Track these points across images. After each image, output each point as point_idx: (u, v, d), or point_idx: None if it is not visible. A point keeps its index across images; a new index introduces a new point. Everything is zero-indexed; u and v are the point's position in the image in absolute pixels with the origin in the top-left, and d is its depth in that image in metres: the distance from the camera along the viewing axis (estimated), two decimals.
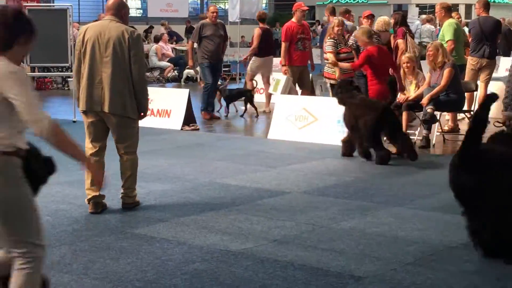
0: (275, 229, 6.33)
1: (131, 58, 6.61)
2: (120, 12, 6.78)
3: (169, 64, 21.81)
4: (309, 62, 13.59)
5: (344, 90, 9.90)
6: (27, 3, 20.94)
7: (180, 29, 28.78)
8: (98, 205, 6.80)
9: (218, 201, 7.35)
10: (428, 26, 18.60)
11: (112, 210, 6.92)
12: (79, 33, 6.89)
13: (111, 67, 6.60)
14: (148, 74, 22.05)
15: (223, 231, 6.29)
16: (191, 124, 12.47)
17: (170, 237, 6.08)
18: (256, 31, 14.57)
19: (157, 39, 23.01)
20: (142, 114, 6.82)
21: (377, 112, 9.28)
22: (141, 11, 43.70)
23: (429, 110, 10.21)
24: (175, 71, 22.32)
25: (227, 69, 23.68)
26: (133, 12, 44.61)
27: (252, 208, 7.09)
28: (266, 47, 14.41)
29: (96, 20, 11.88)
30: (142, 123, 7.02)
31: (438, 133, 10.95)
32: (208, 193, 7.75)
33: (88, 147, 6.74)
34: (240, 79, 19.10)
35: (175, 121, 12.39)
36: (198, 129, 12.42)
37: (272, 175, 8.63)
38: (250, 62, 14.55)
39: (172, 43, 24.51)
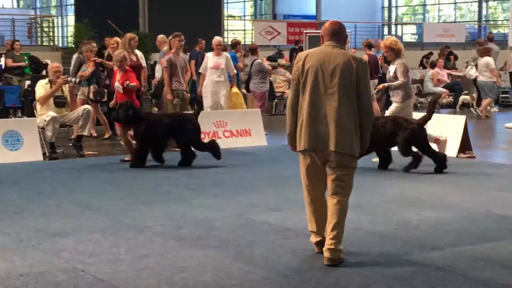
0: None
1: (359, 89, 5.88)
2: (342, 36, 6.09)
3: (444, 90, 21.49)
4: None
5: None
6: (306, 29, 21.70)
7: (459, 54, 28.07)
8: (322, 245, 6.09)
9: (496, 233, 7.06)
10: None
11: (386, 236, 6.91)
12: (297, 61, 6.07)
13: (337, 100, 5.84)
14: (422, 100, 21.87)
15: (502, 264, 6.02)
16: (466, 152, 12.17)
17: (445, 266, 5.93)
18: (365, 57, 14.50)
19: (433, 65, 22.75)
20: (361, 151, 6.07)
21: None
22: (417, 36, 43.50)
23: None
24: (451, 97, 22.00)
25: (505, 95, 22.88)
26: (407, 38, 44.56)
27: None
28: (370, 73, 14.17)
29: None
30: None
31: None
32: (485, 223, 7.47)
33: (308, 191, 6.10)
34: None
35: (451, 148, 12.12)
36: (474, 157, 12.08)
37: None
38: None
39: (448, 69, 24.11)
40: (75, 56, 16.15)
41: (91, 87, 14.33)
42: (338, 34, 6.03)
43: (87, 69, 14.54)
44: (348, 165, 5.94)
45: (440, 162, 10.48)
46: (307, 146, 5.93)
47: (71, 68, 15.46)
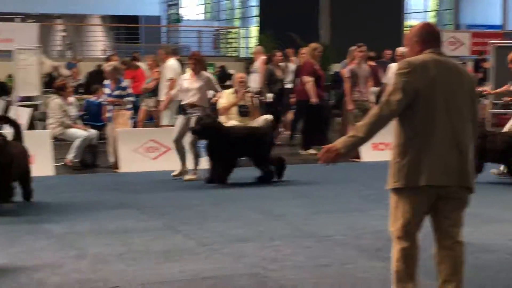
0: None
1: (474, 107, 4.78)
2: (441, 43, 4.89)
3: None
4: None
5: None
6: (492, 40, 21.05)
7: None
8: None
9: None
10: None
11: None
12: (407, 70, 4.63)
13: (464, 122, 4.66)
14: None
15: None
16: None
17: None
18: None
19: None
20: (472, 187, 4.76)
21: None
22: None
23: None
24: None
25: None
26: None
27: None
28: None
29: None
30: None
31: None
32: None
33: (406, 239, 4.74)
34: None
35: None
36: None
37: None
38: None
39: None
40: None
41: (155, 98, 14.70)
42: (439, 39, 4.83)
43: (151, 82, 15.02)
44: (466, 202, 4.78)
45: None
46: (432, 182, 4.58)
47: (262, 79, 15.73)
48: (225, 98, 12.65)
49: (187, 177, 10.86)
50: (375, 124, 4.62)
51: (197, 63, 11.02)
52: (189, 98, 10.88)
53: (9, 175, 8.57)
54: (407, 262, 4.75)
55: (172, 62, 14.15)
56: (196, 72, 10.94)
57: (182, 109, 10.95)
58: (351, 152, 4.76)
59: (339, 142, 4.68)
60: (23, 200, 9.05)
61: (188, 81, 10.96)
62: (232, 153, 10.68)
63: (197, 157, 10.92)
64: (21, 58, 14.53)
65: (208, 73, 11.48)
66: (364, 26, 24.74)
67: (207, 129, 10.38)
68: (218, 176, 10.50)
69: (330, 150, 4.66)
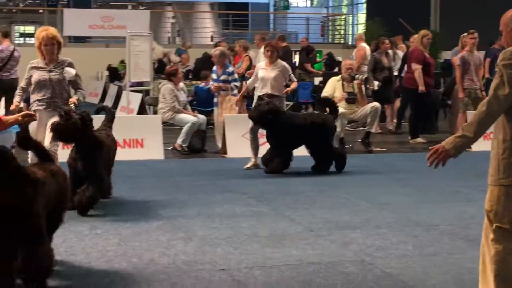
0: None
1: None
2: None
3: None
4: None
5: None
6: None
7: None
8: None
9: None
10: None
11: None
12: (507, 63, 4.24)
13: None
14: None
15: None
16: None
17: None
18: None
19: None
20: None
21: None
22: None
23: None
24: None
25: None
26: None
27: None
28: None
29: None
30: None
31: None
32: None
33: (508, 238, 4.50)
34: None
35: None
36: None
37: None
38: None
39: None
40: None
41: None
42: None
43: (242, 65, 14.83)
44: None
45: None
46: None
47: (368, 66, 15.60)
48: (330, 85, 12.63)
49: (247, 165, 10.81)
50: (484, 122, 4.34)
51: (273, 52, 10.85)
52: (265, 88, 10.78)
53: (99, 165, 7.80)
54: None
55: None
56: (272, 61, 10.80)
57: (259, 99, 10.72)
58: (460, 153, 4.54)
59: (448, 143, 4.45)
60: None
61: (264, 70, 10.83)
62: (291, 141, 10.46)
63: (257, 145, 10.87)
64: (134, 44, 14.89)
65: (284, 62, 11.25)
66: (476, 12, 24.15)
67: (263, 116, 10.19)
68: (275, 166, 10.39)
69: (439, 152, 4.47)
